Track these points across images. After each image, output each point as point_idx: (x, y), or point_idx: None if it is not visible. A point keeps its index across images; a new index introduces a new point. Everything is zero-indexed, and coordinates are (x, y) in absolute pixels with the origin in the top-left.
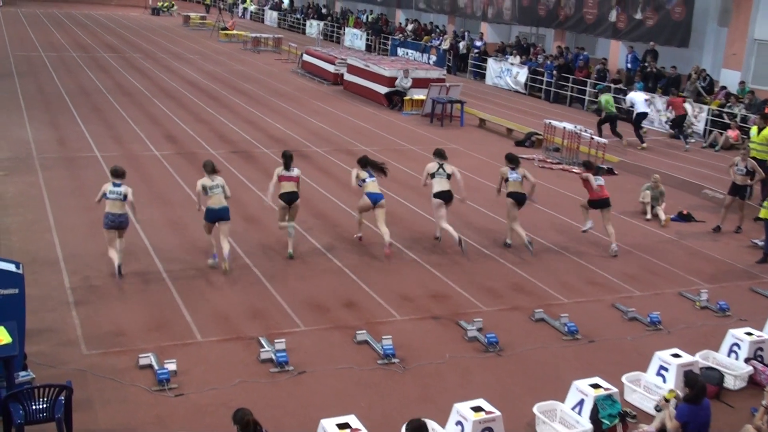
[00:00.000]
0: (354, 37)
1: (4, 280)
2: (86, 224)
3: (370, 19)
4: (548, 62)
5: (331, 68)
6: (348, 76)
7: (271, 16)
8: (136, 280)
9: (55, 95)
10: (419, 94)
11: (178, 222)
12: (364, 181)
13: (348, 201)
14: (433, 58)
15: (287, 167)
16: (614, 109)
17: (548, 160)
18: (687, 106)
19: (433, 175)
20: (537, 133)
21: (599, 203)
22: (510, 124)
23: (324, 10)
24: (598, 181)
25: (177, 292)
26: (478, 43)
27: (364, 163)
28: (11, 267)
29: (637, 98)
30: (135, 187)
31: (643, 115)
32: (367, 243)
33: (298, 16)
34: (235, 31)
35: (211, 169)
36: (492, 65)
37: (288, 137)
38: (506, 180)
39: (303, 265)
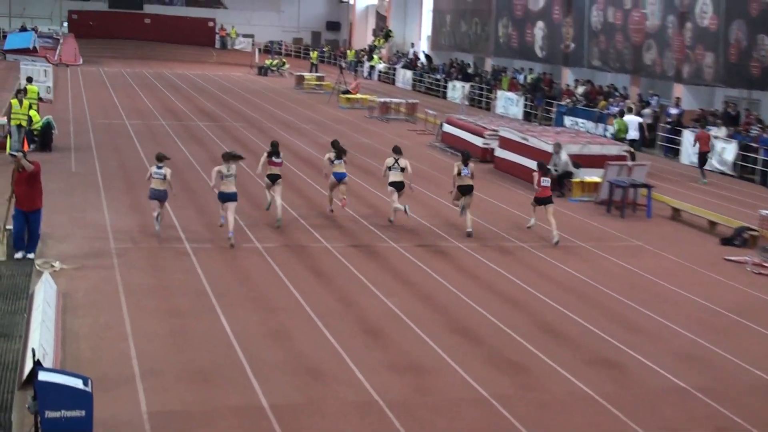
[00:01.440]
0: (508, 103)
1: (68, 399)
2: (168, 333)
3: (529, 80)
4: (764, 135)
5: (478, 142)
6: (500, 152)
7: (404, 77)
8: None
9: (139, 171)
10: (593, 176)
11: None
12: (332, 162)
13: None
14: (611, 129)
15: (275, 155)
16: None
17: (766, 264)
18: None
19: (390, 168)
20: (751, 229)
21: None
22: (713, 216)
23: (470, 69)
24: None
25: None
26: (673, 111)
27: (336, 147)
28: (78, 383)
29: None
30: (236, 289)
31: None
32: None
33: (438, 76)
34: (359, 95)
35: (230, 158)
36: (689, 138)
37: (424, 229)
38: None
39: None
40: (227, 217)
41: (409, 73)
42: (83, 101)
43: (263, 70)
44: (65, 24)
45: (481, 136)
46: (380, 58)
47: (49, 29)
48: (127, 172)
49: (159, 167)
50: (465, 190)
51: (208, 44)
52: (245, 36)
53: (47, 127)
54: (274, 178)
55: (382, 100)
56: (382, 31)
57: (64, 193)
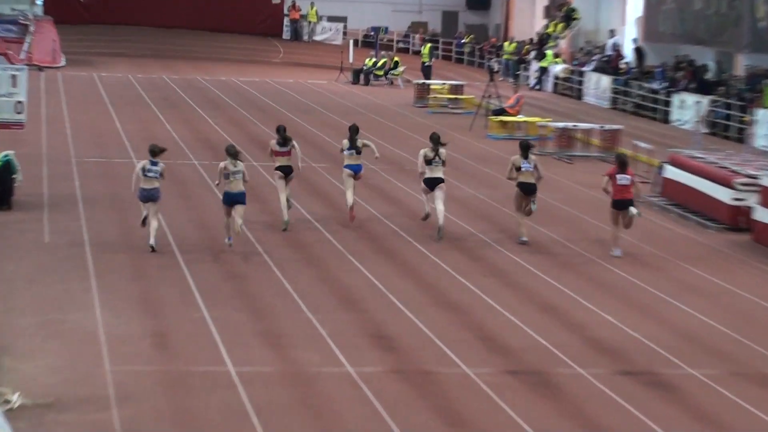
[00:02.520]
0: None
1: None
2: None
3: None
4: None
5: (724, 195)
6: (762, 213)
7: (597, 86)
8: None
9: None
10: None
11: None
12: (342, 151)
13: None
14: None
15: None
16: None
17: None
18: None
19: (429, 162)
20: None
21: None
22: None
23: (710, 74)
24: None
25: None
26: None
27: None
28: None
29: None
30: None
31: None
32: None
33: (655, 85)
34: (521, 117)
35: (236, 152)
36: None
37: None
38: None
39: None
40: (233, 221)
41: (605, 80)
42: (65, 127)
43: (362, 76)
44: (39, 2)
45: (728, 185)
46: (557, 56)
47: (13, 10)
48: (135, 244)
49: (154, 163)
50: (528, 189)
51: (271, 33)
52: (332, 20)
53: (4, 171)
54: (285, 171)
55: (562, 125)
56: (561, 11)
57: (30, 280)
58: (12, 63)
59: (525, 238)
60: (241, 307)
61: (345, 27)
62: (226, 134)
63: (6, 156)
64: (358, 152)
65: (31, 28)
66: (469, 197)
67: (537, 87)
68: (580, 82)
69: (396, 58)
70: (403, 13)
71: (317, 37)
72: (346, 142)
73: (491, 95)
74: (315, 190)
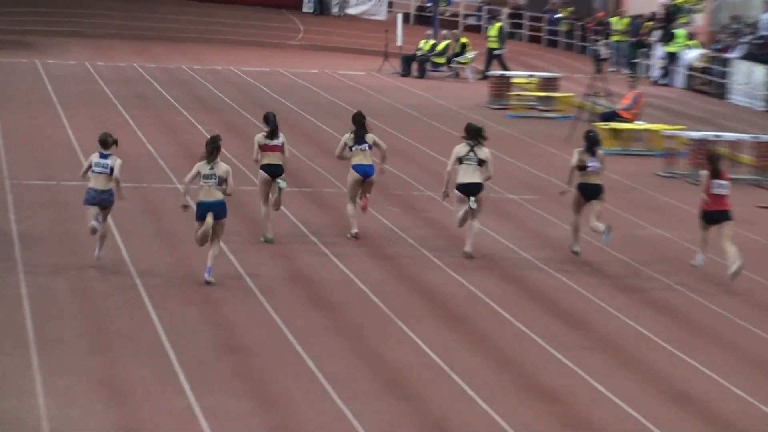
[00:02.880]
0: None
1: None
2: None
3: None
4: None
5: None
6: None
7: (748, 79)
8: None
9: (119, 305)
10: None
11: None
12: (350, 148)
13: None
14: None
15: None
16: None
17: None
18: None
19: (461, 161)
20: None
21: None
22: None
23: None
24: None
25: None
26: None
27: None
28: None
29: None
30: None
31: None
32: None
33: None
34: (640, 124)
35: (215, 148)
36: None
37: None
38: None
39: None
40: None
41: (760, 72)
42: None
43: (415, 65)
44: None
45: None
46: (691, 37)
47: None
48: (93, 303)
49: (103, 156)
50: (591, 192)
51: (287, 4)
52: None
53: None
54: (274, 172)
55: (698, 135)
56: None
57: None
58: None
59: (577, 248)
60: (242, 391)
61: None
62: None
63: None
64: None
65: None
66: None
67: (662, 81)
68: (724, 74)
69: (463, 40)
70: None
71: (351, 10)
72: (350, 137)
73: (598, 93)
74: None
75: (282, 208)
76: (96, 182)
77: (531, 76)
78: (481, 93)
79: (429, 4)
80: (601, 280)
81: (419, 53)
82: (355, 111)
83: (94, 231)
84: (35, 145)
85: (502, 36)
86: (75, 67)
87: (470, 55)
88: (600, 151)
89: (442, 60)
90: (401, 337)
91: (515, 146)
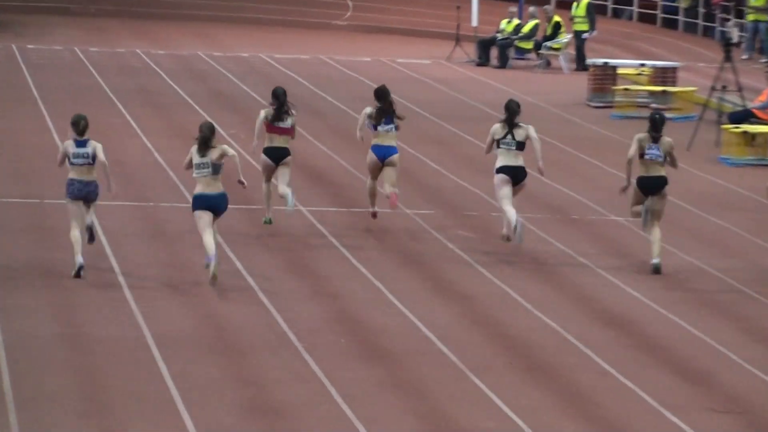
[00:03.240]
0: None
1: None
2: None
3: None
4: None
5: None
6: None
7: None
8: None
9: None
10: None
11: None
12: (374, 126)
13: None
14: None
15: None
16: None
17: None
18: None
19: (498, 143)
20: None
21: None
22: None
23: None
24: None
25: None
26: None
27: (382, 96)
28: None
29: None
30: None
31: None
32: None
33: None
34: None
35: (209, 135)
36: None
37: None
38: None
39: None
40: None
41: None
42: None
43: (494, 51)
44: None
45: None
46: None
47: None
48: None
49: (81, 143)
50: (650, 186)
51: None
52: None
53: None
54: (277, 155)
55: None
56: None
57: None
58: None
59: (656, 260)
60: None
61: None
62: (248, 155)
63: None
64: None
65: None
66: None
67: None
68: None
69: (557, 18)
70: None
71: None
72: (370, 110)
73: (727, 87)
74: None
75: (324, 232)
76: (78, 173)
77: (642, 65)
78: (579, 87)
79: None
80: (729, 324)
81: (500, 36)
82: (382, 89)
83: (78, 270)
84: (12, 154)
85: (591, 15)
86: (61, 54)
87: (564, 39)
88: (666, 139)
89: (529, 45)
90: (476, 396)
91: (622, 154)
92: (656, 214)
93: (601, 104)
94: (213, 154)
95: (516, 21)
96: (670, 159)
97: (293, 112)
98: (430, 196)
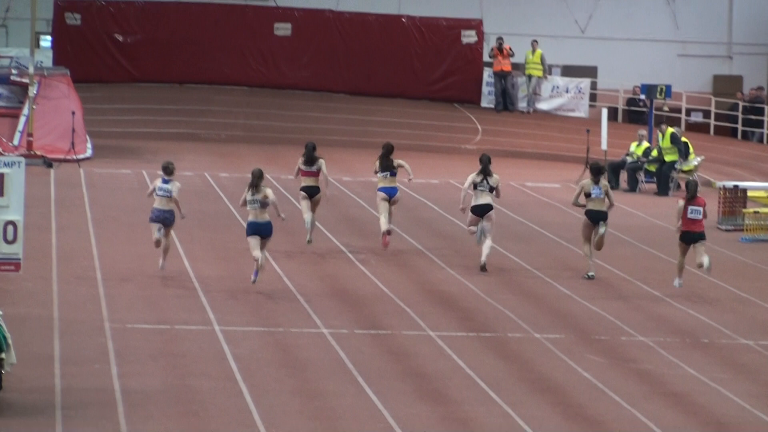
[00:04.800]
0: None
1: None
2: None
3: None
4: None
5: None
6: None
7: None
8: None
9: None
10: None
11: None
12: (376, 173)
13: None
14: None
15: (308, 161)
16: None
17: None
18: None
19: (476, 186)
20: None
21: None
22: None
23: None
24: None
25: None
26: None
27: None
28: None
29: None
30: None
31: None
32: None
33: None
34: None
35: (258, 178)
36: None
37: None
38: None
39: None
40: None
41: None
42: (92, 268)
43: (622, 173)
44: (45, 43)
45: None
46: None
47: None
48: None
49: (165, 181)
50: (596, 218)
51: (462, 98)
52: (569, 73)
53: None
54: (310, 192)
55: None
56: None
57: None
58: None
59: (592, 273)
60: None
61: (594, 86)
62: (381, 282)
63: None
64: (393, 174)
65: (33, 92)
66: None
67: None
68: None
69: (683, 139)
70: (698, 59)
71: (543, 105)
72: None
73: None
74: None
75: (454, 357)
76: (159, 203)
77: None
78: (709, 210)
79: (642, 97)
80: None
81: (629, 159)
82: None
83: (158, 243)
84: (141, 280)
85: (678, 144)
86: (191, 179)
87: (694, 161)
88: (603, 181)
89: (655, 167)
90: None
91: (753, 279)
92: (600, 243)
93: (731, 227)
94: (261, 194)
95: (645, 144)
96: (607, 196)
97: (319, 159)
98: (558, 320)
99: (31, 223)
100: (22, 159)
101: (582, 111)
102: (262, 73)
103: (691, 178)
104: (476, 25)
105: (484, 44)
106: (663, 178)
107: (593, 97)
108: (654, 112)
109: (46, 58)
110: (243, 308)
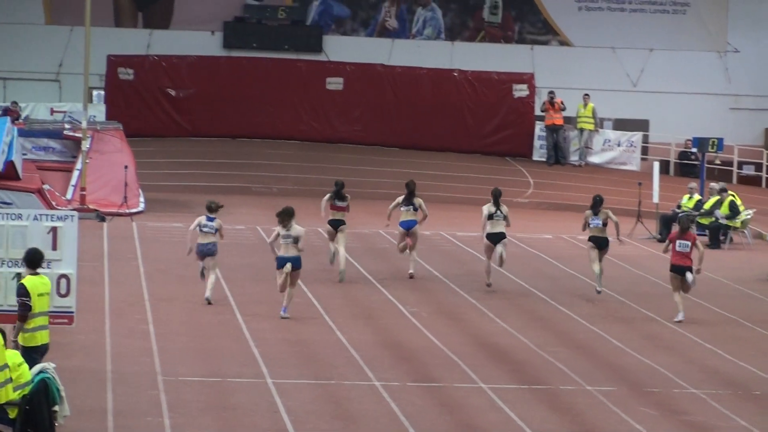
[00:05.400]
0: None
1: None
2: None
3: None
4: None
5: None
6: None
7: None
8: None
9: None
10: None
11: None
12: (398, 206)
13: None
14: None
15: (338, 197)
16: None
17: None
18: None
19: (491, 217)
20: None
21: None
22: None
23: None
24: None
25: None
26: None
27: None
28: None
29: None
30: None
31: None
32: None
33: None
34: None
35: (286, 216)
36: None
37: None
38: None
39: None
40: (285, 289)
41: None
42: (146, 321)
43: (674, 225)
44: (98, 98)
45: None
46: None
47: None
48: None
49: (210, 219)
50: (599, 244)
51: (513, 152)
52: (621, 126)
53: (36, 398)
54: (336, 224)
55: None
56: None
57: None
58: (52, 207)
59: (599, 289)
60: None
61: (645, 139)
62: (433, 335)
63: (41, 374)
64: (415, 209)
65: (86, 146)
66: None
67: None
68: None
69: (730, 194)
70: (750, 112)
71: (595, 159)
72: (401, 199)
73: None
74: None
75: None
76: (204, 238)
77: None
78: (761, 262)
79: (694, 150)
80: None
81: (680, 212)
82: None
83: (203, 275)
84: (193, 333)
85: (736, 211)
86: (243, 233)
87: (745, 214)
88: (604, 210)
89: (709, 221)
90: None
91: None
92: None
93: None
94: (293, 231)
95: (697, 197)
96: (606, 225)
97: (347, 196)
98: (611, 373)
99: (84, 276)
100: (75, 213)
101: (634, 164)
102: (314, 127)
103: (685, 215)
104: (528, 78)
105: (535, 98)
106: (715, 231)
107: (645, 151)
108: (705, 165)
109: (99, 112)
110: (295, 360)
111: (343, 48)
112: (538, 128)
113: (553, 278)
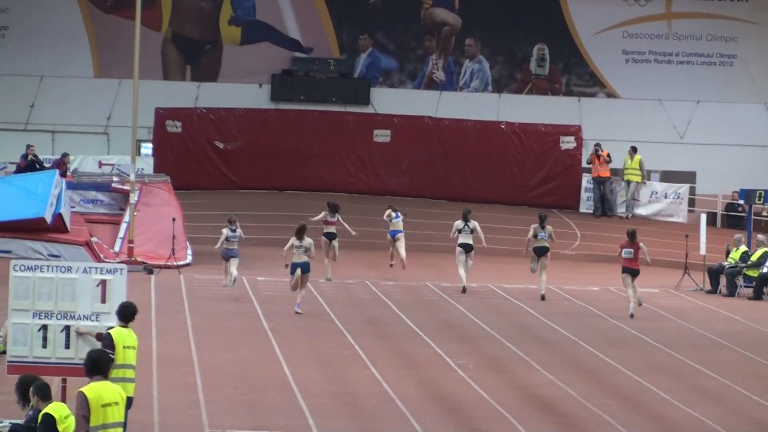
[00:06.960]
0: None
1: None
2: None
3: None
4: None
5: None
6: None
7: None
8: None
9: None
10: None
11: None
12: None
13: None
14: None
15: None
16: None
17: None
18: None
19: (459, 231)
20: None
21: None
22: None
23: None
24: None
25: None
26: None
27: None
28: None
29: None
30: None
31: None
32: None
33: None
34: None
35: (302, 231)
36: None
37: None
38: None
39: None
40: (299, 289)
41: None
42: (193, 373)
43: (723, 279)
44: (147, 150)
45: None
46: None
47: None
48: None
49: (233, 230)
50: (540, 252)
51: (559, 204)
52: (668, 179)
53: None
54: (330, 237)
55: None
56: None
57: None
58: (99, 259)
59: (543, 292)
60: None
61: (692, 191)
62: (479, 387)
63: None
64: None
65: (134, 199)
66: None
67: None
68: None
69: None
70: None
71: (642, 210)
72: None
73: None
74: None
75: None
76: (229, 245)
77: None
78: None
79: (741, 202)
80: None
81: (728, 265)
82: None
83: (227, 272)
84: (241, 385)
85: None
86: (288, 285)
87: None
88: (548, 226)
89: (757, 273)
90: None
91: None
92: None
93: None
94: (305, 243)
95: (743, 248)
96: (551, 238)
97: (338, 212)
98: (658, 426)
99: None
100: (124, 266)
101: (681, 216)
102: (362, 180)
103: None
104: (575, 130)
105: (582, 150)
106: (761, 282)
107: (692, 202)
108: (752, 217)
109: (147, 165)
110: (341, 413)
111: (391, 100)
112: (585, 180)
113: (598, 329)
